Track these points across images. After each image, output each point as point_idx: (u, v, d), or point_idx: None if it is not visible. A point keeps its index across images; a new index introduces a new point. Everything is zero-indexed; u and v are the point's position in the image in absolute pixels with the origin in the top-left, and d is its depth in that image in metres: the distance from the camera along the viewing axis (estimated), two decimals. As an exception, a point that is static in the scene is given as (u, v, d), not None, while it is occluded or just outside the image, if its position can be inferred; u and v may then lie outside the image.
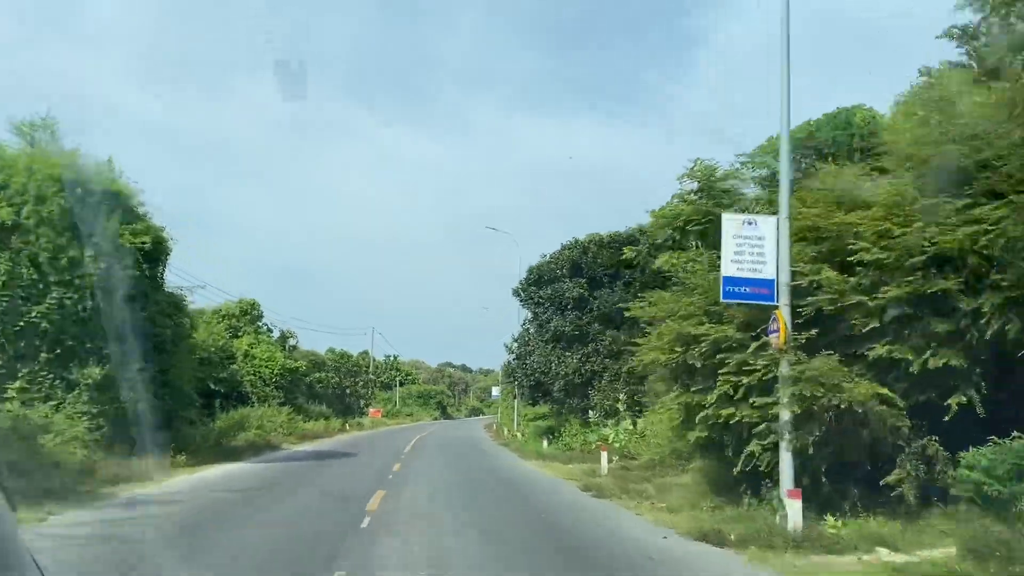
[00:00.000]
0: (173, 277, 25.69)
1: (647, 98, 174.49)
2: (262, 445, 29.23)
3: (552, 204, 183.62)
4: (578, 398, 31.42)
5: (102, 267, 18.17)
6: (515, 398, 46.57)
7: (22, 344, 17.68)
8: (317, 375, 55.71)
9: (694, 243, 16.70)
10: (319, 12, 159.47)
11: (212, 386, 32.30)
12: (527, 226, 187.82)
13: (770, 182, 16.71)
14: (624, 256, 26.27)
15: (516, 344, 38.35)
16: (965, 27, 14.24)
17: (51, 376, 17.93)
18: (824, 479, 11.25)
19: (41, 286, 17.79)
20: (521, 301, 35.71)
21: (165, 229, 21.39)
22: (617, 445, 24.16)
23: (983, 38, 14.04)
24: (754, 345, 11.65)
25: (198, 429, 25.28)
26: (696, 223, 16.53)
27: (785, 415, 11.03)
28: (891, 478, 10.87)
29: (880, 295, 10.93)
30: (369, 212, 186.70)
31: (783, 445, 11.09)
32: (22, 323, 17.49)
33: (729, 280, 11.61)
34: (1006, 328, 10.24)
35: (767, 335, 11.48)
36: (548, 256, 33.69)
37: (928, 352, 10.59)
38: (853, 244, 11.41)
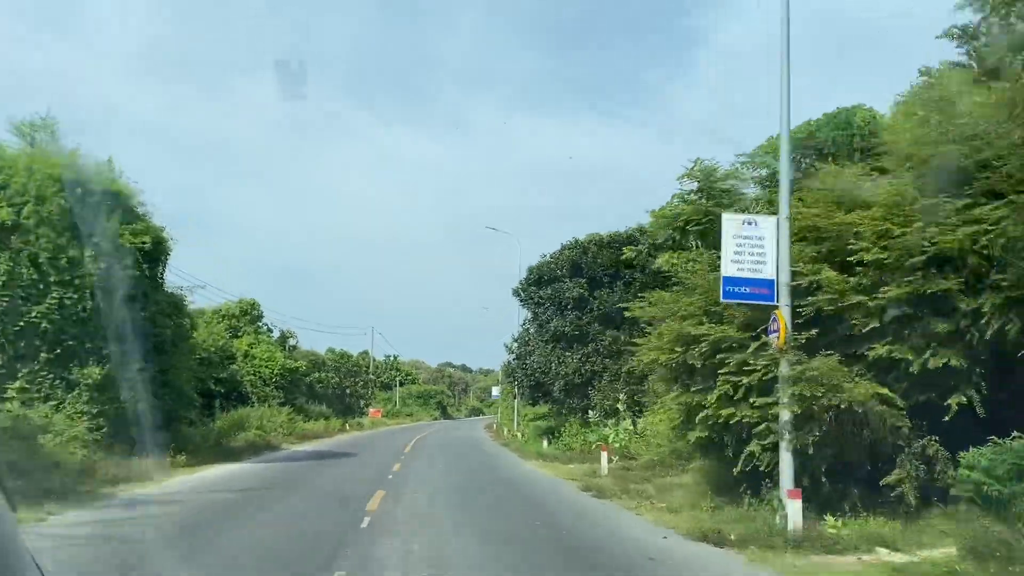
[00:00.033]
0: (173, 277, 25.81)
1: (647, 98, 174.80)
2: (262, 445, 29.25)
3: (552, 204, 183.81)
4: (578, 398, 31.36)
5: (102, 267, 18.18)
6: (515, 398, 46.54)
7: (22, 344, 17.67)
8: (317, 375, 55.67)
9: (694, 243, 16.74)
10: (319, 12, 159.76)
11: (212, 386, 32.34)
12: (527, 226, 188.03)
13: (770, 182, 16.72)
14: (624, 256, 26.36)
15: (516, 344, 38.31)
16: (965, 27, 14.23)
17: (51, 376, 17.94)
18: (824, 479, 11.25)
19: (41, 286, 17.79)
20: (521, 301, 35.69)
21: (165, 229, 21.49)
22: (617, 445, 24.14)
23: (983, 38, 14.03)
24: (754, 345, 11.65)
25: (198, 429, 25.32)
26: (696, 223, 16.56)
27: (785, 415, 11.03)
28: (891, 478, 10.87)
29: (880, 295, 10.93)
30: (369, 212, 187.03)
31: (783, 445, 11.09)
32: (22, 323, 17.48)
33: (729, 280, 11.61)
34: (1006, 328, 10.24)
35: (767, 335, 11.48)
36: (548, 256, 33.69)
37: (928, 352, 10.60)
38: (853, 244, 11.41)
